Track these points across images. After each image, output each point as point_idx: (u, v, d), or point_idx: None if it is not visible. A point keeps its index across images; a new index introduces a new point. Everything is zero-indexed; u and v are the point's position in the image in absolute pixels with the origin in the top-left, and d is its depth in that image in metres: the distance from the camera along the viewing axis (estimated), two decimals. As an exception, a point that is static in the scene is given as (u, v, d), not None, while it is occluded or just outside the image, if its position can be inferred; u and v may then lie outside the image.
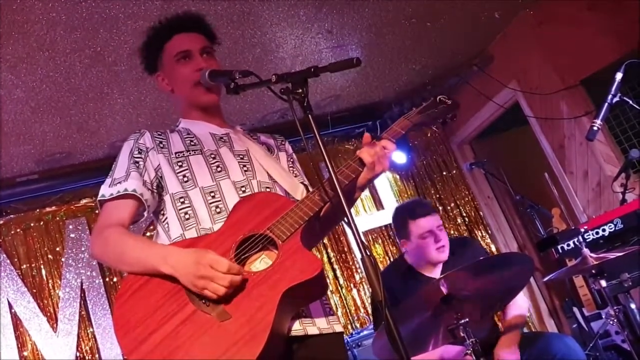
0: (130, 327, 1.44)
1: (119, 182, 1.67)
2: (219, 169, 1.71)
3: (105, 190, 1.69)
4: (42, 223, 4.05)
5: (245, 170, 1.72)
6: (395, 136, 1.70)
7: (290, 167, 1.88)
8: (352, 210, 1.61)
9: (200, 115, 1.83)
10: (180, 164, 1.70)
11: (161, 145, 1.74)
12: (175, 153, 1.72)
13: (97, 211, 4.09)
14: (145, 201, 1.66)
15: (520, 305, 2.85)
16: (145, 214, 1.71)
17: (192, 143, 1.76)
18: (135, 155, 1.71)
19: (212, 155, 1.73)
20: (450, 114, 1.81)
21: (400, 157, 4.85)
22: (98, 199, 1.70)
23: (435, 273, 2.95)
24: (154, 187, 1.69)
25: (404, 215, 3.04)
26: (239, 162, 1.74)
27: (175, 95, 1.86)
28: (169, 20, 1.85)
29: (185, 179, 1.68)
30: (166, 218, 1.69)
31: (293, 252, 1.48)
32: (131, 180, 1.66)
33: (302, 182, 1.81)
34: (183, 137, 1.78)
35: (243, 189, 1.68)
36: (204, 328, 1.41)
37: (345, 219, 1.41)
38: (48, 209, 4.10)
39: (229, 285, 1.42)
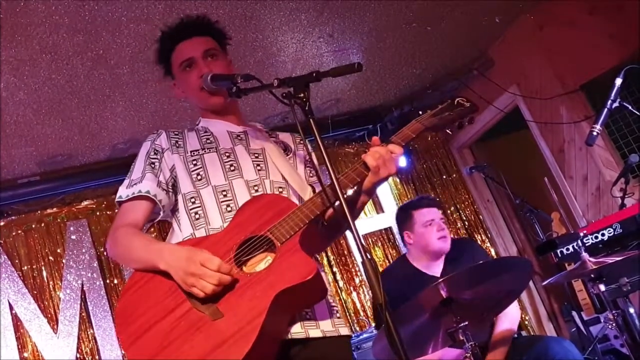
0: (130, 322, 1.50)
1: (135, 184, 1.71)
2: (232, 168, 1.73)
3: (122, 192, 1.73)
4: (43, 225, 4.06)
5: (258, 170, 1.74)
6: (405, 139, 1.65)
7: (308, 166, 1.88)
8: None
9: (215, 115, 1.86)
10: (195, 162, 1.73)
11: (177, 145, 1.77)
12: (191, 152, 1.76)
13: (97, 213, 4.16)
14: (159, 202, 1.70)
15: (511, 317, 2.85)
16: (162, 213, 1.73)
17: (208, 141, 1.79)
18: (152, 156, 1.75)
19: (227, 154, 1.75)
20: (468, 117, 1.73)
21: (400, 160, 4.85)
22: (116, 199, 1.75)
23: (437, 271, 2.98)
24: (169, 187, 1.73)
25: (408, 207, 3.15)
26: (253, 160, 1.76)
27: (189, 100, 1.93)
28: (170, 29, 1.85)
29: (199, 177, 1.72)
30: (179, 217, 1.73)
31: (290, 255, 1.49)
32: (146, 181, 1.70)
33: (311, 184, 1.81)
34: (200, 135, 1.81)
35: (256, 188, 1.70)
36: (196, 326, 1.45)
37: (346, 222, 1.41)
38: (49, 211, 4.11)
39: (218, 284, 1.44)
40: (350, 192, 1.64)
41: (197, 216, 1.68)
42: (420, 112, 1.69)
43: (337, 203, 1.47)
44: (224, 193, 1.69)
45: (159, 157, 1.75)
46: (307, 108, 1.49)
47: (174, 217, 1.76)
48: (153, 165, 1.73)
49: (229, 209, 1.66)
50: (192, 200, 1.70)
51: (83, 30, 2.88)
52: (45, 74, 3.10)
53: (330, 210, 1.61)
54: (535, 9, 4.04)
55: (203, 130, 1.84)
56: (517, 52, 4.24)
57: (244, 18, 3.18)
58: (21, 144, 3.62)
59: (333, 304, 1.69)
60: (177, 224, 1.74)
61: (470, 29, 4.04)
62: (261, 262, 1.52)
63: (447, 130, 1.75)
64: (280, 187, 1.74)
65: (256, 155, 1.78)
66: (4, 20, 2.66)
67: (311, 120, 1.48)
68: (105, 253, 3.87)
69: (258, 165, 1.75)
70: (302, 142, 1.93)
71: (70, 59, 3.05)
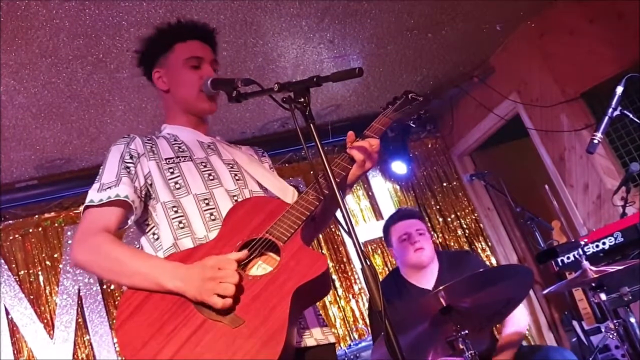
0: (137, 347, 1.36)
1: (109, 187, 1.59)
2: (211, 177, 1.68)
3: (94, 196, 1.60)
4: (40, 229, 4.04)
5: (237, 180, 1.71)
6: (377, 133, 1.73)
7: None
8: (352, 219, 1.61)
9: (189, 122, 1.81)
10: (171, 170, 1.66)
11: (152, 152, 1.70)
12: (166, 159, 1.68)
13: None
14: (135, 208, 1.61)
15: (518, 322, 2.81)
16: (130, 222, 1.64)
17: (180, 149, 1.73)
18: (127, 160, 1.65)
19: (203, 163, 1.71)
20: (423, 110, 1.86)
21: (400, 167, 4.85)
22: (85, 204, 1.60)
23: (428, 284, 2.95)
24: (142, 195, 1.64)
25: (387, 223, 3.14)
26: (229, 170, 1.73)
27: (169, 96, 1.81)
28: (188, 23, 1.83)
29: (178, 185, 1.64)
30: (153, 227, 1.65)
31: (296, 252, 1.46)
32: (123, 185, 1.59)
33: (294, 185, 1.82)
34: (171, 143, 1.74)
35: (235, 198, 1.66)
36: (217, 336, 1.35)
37: (345, 227, 1.39)
38: (47, 215, 4.09)
39: (238, 282, 1.37)
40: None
41: (181, 225, 1.59)
42: (383, 109, 1.83)
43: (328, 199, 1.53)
44: (206, 201, 1.63)
45: (134, 162, 1.65)
46: (307, 113, 1.47)
47: (142, 230, 1.67)
48: (128, 170, 1.63)
49: (212, 217, 1.61)
50: (175, 209, 1.61)
51: (83, 34, 2.88)
52: (44, 77, 3.09)
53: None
54: (536, 17, 4.04)
55: (172, 138, 1.76)
56: (518, 60, 4.24)
57: (245, 23, 3.17)
58: (20, 148, 3.61)
59: (319, 312, 1.68)
60: (149, 237, 1.65)
61: (471, 36, 4.04)
62: (253, 268, 1.48)
63: (410, 123, 1.87)
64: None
65: (231, 165, 1.74)
66: (4, 24, 2.65)
67: (311, 124, 1.46)
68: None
69: (235, 175, 1.72)
70: (264, 154, 1.93)
71: (70, 62, 3.04)
